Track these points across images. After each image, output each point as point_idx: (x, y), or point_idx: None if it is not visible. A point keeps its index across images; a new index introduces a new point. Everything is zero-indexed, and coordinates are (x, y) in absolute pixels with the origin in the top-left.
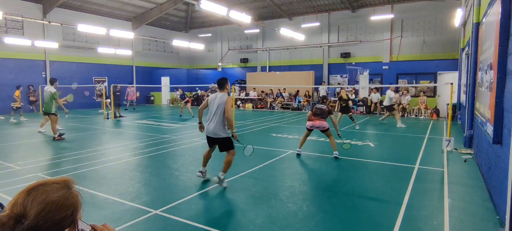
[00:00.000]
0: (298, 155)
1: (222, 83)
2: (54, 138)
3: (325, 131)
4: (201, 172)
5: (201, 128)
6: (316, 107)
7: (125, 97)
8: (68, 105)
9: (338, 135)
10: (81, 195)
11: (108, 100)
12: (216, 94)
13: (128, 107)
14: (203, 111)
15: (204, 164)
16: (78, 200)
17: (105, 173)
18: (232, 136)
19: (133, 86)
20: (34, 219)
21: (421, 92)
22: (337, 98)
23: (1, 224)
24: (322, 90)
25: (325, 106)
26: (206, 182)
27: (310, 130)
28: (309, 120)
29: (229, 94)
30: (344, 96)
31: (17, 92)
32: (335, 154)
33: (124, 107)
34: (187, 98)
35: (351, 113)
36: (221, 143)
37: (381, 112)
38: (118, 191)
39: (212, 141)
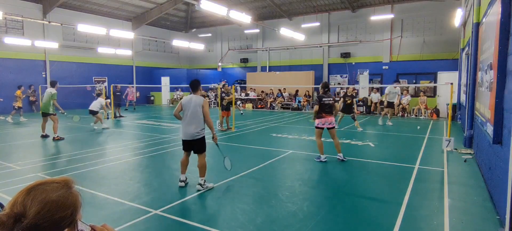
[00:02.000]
0: (324, 161)
1: (195, 85)
2: (54, 137)
3: (330, 129)
4: (182, 181)
5: None
6: (325, 103)
7: (124, 97)
8: (65, 105)
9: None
10: (81, 195)
11: (108, 100)
12: (190, 96)
13: (128, 107)
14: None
15: (184, 171)
16: (78, 200)
17: (105, 173)
18: (213, 138)
19: (132, 87)
20: (33, 218)
21: (421, 92)
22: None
23: (0, 222)
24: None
25: (332, 99)
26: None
27: (322, 128)
28: (319, 118)
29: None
30: (349, 93)
31: (18, 92)
32: (339, 156)
33: (124, 107)
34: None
35: (353, 113)
36: (197, 144)
37: (381, 112)
38: (118, 191)
39: (189, 144)
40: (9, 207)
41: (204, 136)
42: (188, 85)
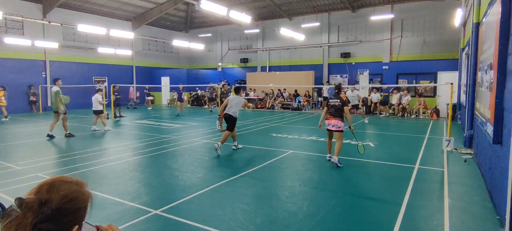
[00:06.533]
0: (329, 160)
1: (238, 90)
2: (65, 134)
3: (337, 132)
4: (235, 146)
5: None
6: (329, 105)
7: (130, 97)
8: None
9: (351, 130)
10: (92, 197)
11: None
12: (234, 96)
13: (132, 105)
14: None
15: (235, 139)
16: (90, 198)
17: (105, 173)
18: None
19: (132, 86)
20: (57, 203)
21: (417, 95)
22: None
23: (29, 207)
24: (326, 90)
25: (339, 100)
26: (206, 182)
27: (329, 130)
28: (326, 119)
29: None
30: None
31: (1, 93)
32: (336, 160)
33: (132, 106)
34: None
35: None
36: (233, 121)
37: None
38: (118, 191)
39: (230, 119)
40: (34, 193)
41: (236, 117)
42: (189, 85)
